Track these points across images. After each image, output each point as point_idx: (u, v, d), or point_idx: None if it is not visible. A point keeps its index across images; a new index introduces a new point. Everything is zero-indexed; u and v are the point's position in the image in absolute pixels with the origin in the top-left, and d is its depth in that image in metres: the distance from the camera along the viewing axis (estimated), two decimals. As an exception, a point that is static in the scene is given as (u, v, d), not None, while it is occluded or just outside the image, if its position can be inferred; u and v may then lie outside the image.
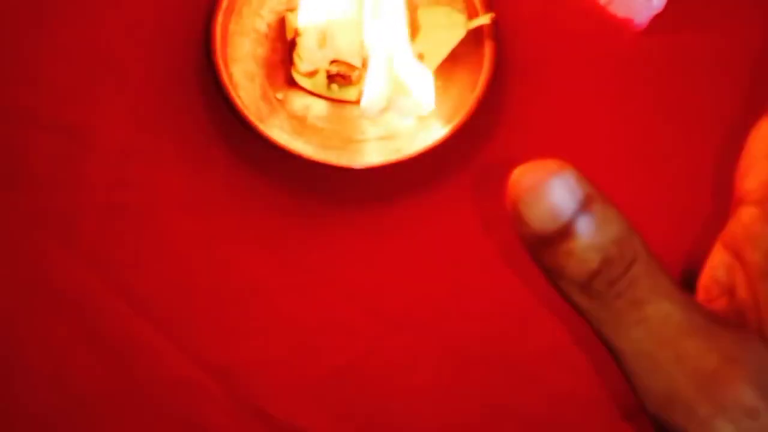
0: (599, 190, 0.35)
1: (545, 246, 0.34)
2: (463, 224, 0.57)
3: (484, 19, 0.58)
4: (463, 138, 0.56)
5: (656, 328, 0.35)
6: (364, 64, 0.57)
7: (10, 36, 0.58)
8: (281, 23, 0.59)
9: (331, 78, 0.57)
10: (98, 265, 0.55)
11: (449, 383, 0.55)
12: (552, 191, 0.34)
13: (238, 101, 0.56)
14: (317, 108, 0.58)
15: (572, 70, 0.59)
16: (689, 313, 0.35)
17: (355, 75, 0.57)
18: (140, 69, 0.58)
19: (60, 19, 0.59)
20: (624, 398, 0.36)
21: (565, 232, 0.34)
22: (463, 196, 0.57)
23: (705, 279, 0.39)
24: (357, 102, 0.57)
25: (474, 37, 0.58)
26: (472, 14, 0.58)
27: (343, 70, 0.57)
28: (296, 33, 0.57)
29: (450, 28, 0.58)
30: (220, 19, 0.57)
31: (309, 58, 0.57)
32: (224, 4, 0.57)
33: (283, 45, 0.58)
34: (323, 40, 0.57)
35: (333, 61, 0.57)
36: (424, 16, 0.58)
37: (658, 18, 0.58)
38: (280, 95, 0.58)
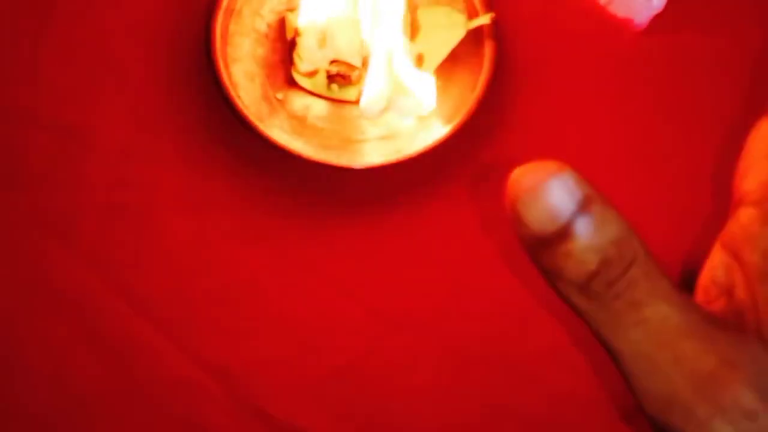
0: (598, 191, 0.34)
1: (544, 247, 0.34)
2: (463, 224, 0.57)
3: (484, 19, 0.58)
4: (463, 138, 0.56)
5: (655, 330, 0.35)
6: (364, 64, 0.57)
7: (10, 36, 0.58)
8: (281, 23, 0.59)
9: (331, 78, 0.57)
10: (98, 265, 0.55)
11: (449, 383, 0.55)
12: (551, 192, 0.34)
13: (238, 101, 0.56)
14: (317, 108, 0.58)
15: (572, 70, 0.59)
16: (687, 315, 0.35)
17: (355, 75, 0.57)
18: (140, 69, 0.58)
19: (60, 19, 0.59)
20: (622, 399, 0.36)
21: (563, 233, 0.34)
22: (463, 196, 0.57)
23: (704, 280, 0.39)
24: (357, 102, 0.57)
25: (474, 37, 0.58)
26: (472, 14, 0.58)
27: (343, 70, 0.57)
28: (296, 33, 0.57)
29: (450, 28, 0.58)
30: (220, 19, 0.57)
31: (309, 58, 0.57)
32: (224, 4, 0.57)
33: (283, 45, 0.58)
34: (323, 40, 0.57)
35: (333, 61, 0.57)
36: (424, 16, 0.58)
37: (658, 18, 0.58)
38: (280, 95, 0.58)
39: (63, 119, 0.57)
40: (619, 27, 0.59)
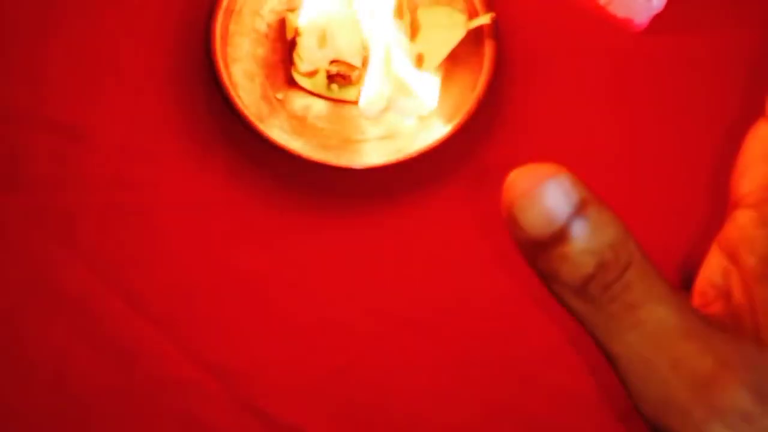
0: (595, 194, 0.34)
1: (540, 250, 0.34)
2: (463, 224, 0.57)
3: (484, 19, 0.57)
4: (463, 138, 0.56)
5: (651, 333, 0.35)
6: (364, 64, 0.57)
7: (10, 36, 0.58)
8: (281, 23, 0.59)
9: (331, 78, 0.57)
10: (98, 265, 0.55)
11: (449, 383, 0.55)
12: (547, 195, 0.34)
13: (238, 101, 0.56)
14: (317, 108, 0.58)
15: (572, 69, 0.59)
16: (684, 317, 0.35)
17: (355, 75, 0.57)
18: (140, 69, 0.58)
19: (60, 19, 0.59)
20: (619, 399, 0.36)
21: (559, 236, 0.34)
22: (464, 196, 0.57)
23: (701, 282, 0.39)
24: (357, 102, 0.57)
25: (474, 37, 0.58)
26: (472, 14, 0.58)
27: (343, 70, 0.57)
28: (296, 33, 0.57)
29: (450, 28, 0.58)
30: (220, 19, 0.57)
31: (309, 58, 0.57)
32: (224, 4, 0.57)
33: (283, 45, 0.58)
34: (323, 40, 0.57)
35: (333, 61, 0.57)
36: (424, 16, 0.58)
37: (658, 18, 0.58)
38: (280, 95, 0.58)
39: (63, 119, 0.57)
40: (619, 27, 0.59)
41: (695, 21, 0.60)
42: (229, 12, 0.58)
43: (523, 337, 0.56)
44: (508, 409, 0.55)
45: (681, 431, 0.35)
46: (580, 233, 0.34)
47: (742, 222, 0.37)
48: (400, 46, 0.56)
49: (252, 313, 0.56)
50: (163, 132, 0.58)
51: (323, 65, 0.57)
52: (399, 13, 0.57)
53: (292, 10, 0.58)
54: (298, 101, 0.58)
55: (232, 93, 0.56)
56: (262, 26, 0.59)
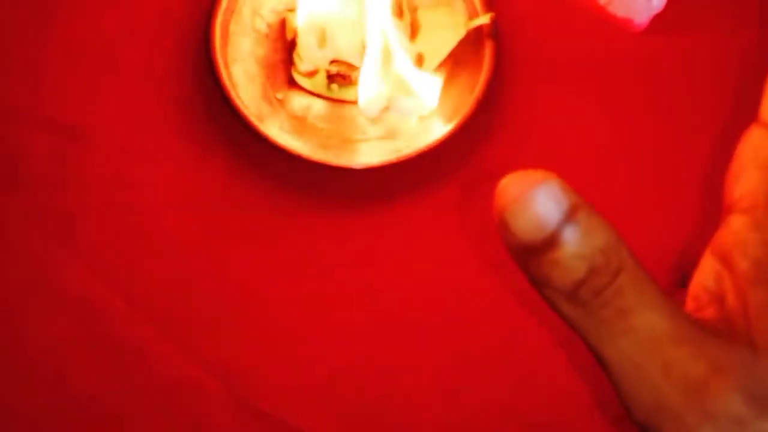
0: (585, 200, 0.34)
1: (531, 255, 0.34)
2: (463, 224, 0.57)
3: (484, 19, 0.58)
4: (463, 138, 0.56)
5: (642, 338, 0.35)
6: (365, 64, 0.57)
7: (10, 36, 0.58)
8: (281, 23, 0.59)
9: (331, 78, 0.57)
10: (98, 265, 0.55)
11: (449, 383, 0.55)
12: (537, 201, 0.34)
13: (238, 101, 0.56)
14: (317, 108, 0.58)
15: (572, 69, 0.59)
16: (676, 322, 0.35)
17: (355, 75, 0.57)
18: (140, 69, 0.58)
19: (60, 18, 0.59)
20: (617, 400, 0.36)
21: (550, 241, 0.34)
22: (464, 196, 0.57)
23: (695, 287, 0.38)
24: (357, 102, 0.57)
25: (474, 37, 0.58)
26: (472, 14, 0.58)
27: (343, 70, 0.57)
28: (296, 33, 0.57)
29: (450, 28, 0.58)
30: (220, 19, 0.57)
31: (309, 58, 0.57)
32: (224, 4, 0.57)
33: (283, 45, 0.58)
34: (323, 40, 0.57)
35: (333, 61, 0.57)
36: (424, 16, 0.58)
37: (658, 18, 0.58)
38: (280, 95, 0.58)
39: (63, 119, 0.57)
40: (619, 27, 0.59)
41: (695, 21, 0.60)
42: (229, 12, 0.58)
43: (523, 338, 0.56)
44: (508, 409, 0.55)
45: None
46: (571, 238, 0.34)
47: (735, 227, 0.37)
48: (401, 46, 0.56)
49: (252, 313, 0.56)
50: (163, 132, 0.58)
51: (323, 65, 0.57)
52: (399, 13, 0.57)
53: (292, 10, 0.58)
54: (298, 101, 0.58)
55: (232, 93, 0.56)
56: (262, 26, 0.59)
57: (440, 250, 0.57)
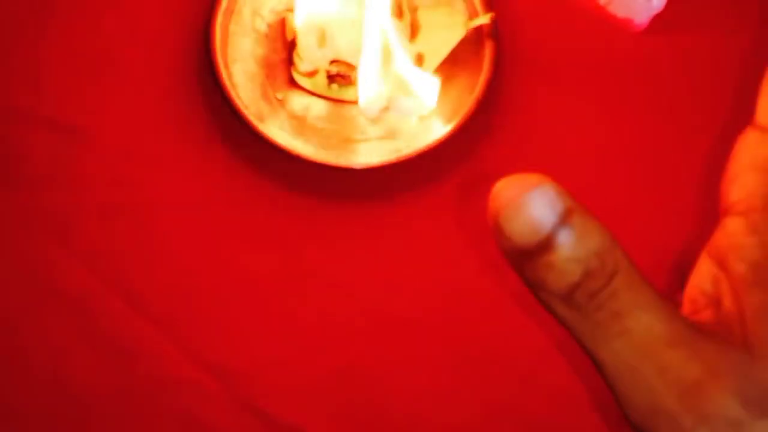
0: (579, 204, 0.35)
1: (526, 259, 0.34)
2: (463, 223, 0.57)
3: (484, 19, 0.58)
4: (462, 138, 0.56)
5: (638, 340, 0.35)
6: (365, 64, 0.57)
7: (10, 36, 0.58)
8: (281, 23, 0.59)
9: (331, 78, 0.57)
10: (98, 265, 0.55)
11: (449, 383, 0.55)
12: (531, 204, 0.34)
13: (238, 101, 0.56)
14: (317, 108, 0.58)
15: (572, 69, 0.59)
16: (671, 325, 0.35)
17: (355, 75, 0.57)
18: (140, 69, 0.58)
19: (60, 19, 0.59)
20: (610, 404, 0.36)
21: (545, 245, 0.34)
22: (463, 196, 0.57)
23: (691, 289, 0.39)
24: (357, 102, 0.57)
25: (474, 37, 0.58)
26: (472, 14, 0.58)
27: (343, 70, 0.57)
28: (296, 33, 0.57)
29: (450, 28, 0.58)
30: (220, 19, 0.57)
31: (309, 58, 0.57)
32: (224, 4, 0.57)
33: (283, 45, 0.58)
34: (323, 40, 0.57)
35: (333, 61, 0.57)
36: (424, 16, 0.58)
37: (658, 18, 0.58)
38: (280, 95, 0.58)
39: (63, 119, 0.57)
40: (619, 27, 0.59)
41: (695, 21, 0.60)
42: (229, 12, 0.58)
43: (522, 338, 0.56)
44: (508, 409, 0.55)
45: None
46: (566, 242, 0.34)
47: (731, 230, 0.37)
48: (401, 46, 0.56)
49: (252, 313, 0.56)
50: (163, 132, 0.58)
51: (323, 65, 0.57)
52: (399, 13, 0.57)
53: (292, 10, 0.58)
54: (298, 101, 0.58)
55: (232, 93, 0.56)
56: (262, 26, 0.59)
57: (440, 250, 0.57)
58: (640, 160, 0.58)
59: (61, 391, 0.54)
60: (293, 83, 0.58)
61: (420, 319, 0.56)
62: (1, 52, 0.58)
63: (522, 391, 0.55)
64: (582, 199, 0.35)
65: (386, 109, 0.57)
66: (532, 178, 0.34)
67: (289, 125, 0.57)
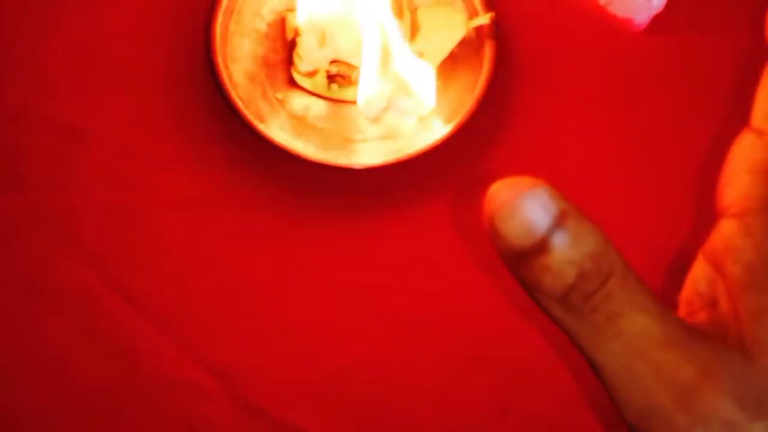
0: (574, 206, 0.35)
1: (522, 260, 0.35)
2: (463, 224, 0.57)
3: (484, 19, 0.58)
4: (463, 138, 0.56)
5: (633, 342, 0.35)
6: (365, 64, 0.57)
7: (10, 36, 0.58)
8: (281, 23, 0.59)
9: (331, 78, 0.57)
10: (98, 265, 0.55)
11: (449, 383, 0.55)
12: (526, 207, 0.34)
13: (238, 101, 0.56)
14: (317, 108, 0.58)
15: (572, 69, 0.59)
16: (666, 326, 0.35)
17: (355, 75, 0.57)
18: (140, 69, 0.58)
19: (60, 19, 0.59)
20: (610, 405, 0.36)
21: (540, 246, 0.34)
22: (463, 196, 0.57)
23: (687, 291, 0.39)
24: (357, 102, 0.57)
25: (474, 37, 0.58)
26: (472, 14, 0.58)
27: (343, 70, 0.57)
28: (296, 33, 0.57)
29: (450, 28, 0.58)
30: (220, 19, 0.57)
31: (309, 58, 0.57)
32: (224, 4, 0.57)
33: (283, 45, 0.59)
34: (323, 40, 0.57)
35: (333, 61, 0.57)
36: (424, 16, 0.58)
37: (658, 18, 0.58)
38: (280, 95, 0.58)
39: (63, 119, 0.57)
40: (619, 27, 0.59)
41: (695, 21, 0.60)
42: (229, 12, 0.58)
43: (523, 337, 0.56)
44: (508, 409, 0.55)
45: None
46: (560, 244, 0.34)
47: (726, 232, 0.37)
48: (400, 46, 0.56)
49: (252, 313, 0.56)
50: (163, 132, 0.58)
51: (323, 65, 0.57)
52: (399, 13, 0.57)
53: (292, 10, 0.58)
54: (298, 101, 0.58)
55: (232, 93, 0.56)
56: (262, 26, 0.59)
57: (440, 250, 0.57)
58: (639, 160, 0.58)
59: (61, 391, 0.54)
60: (293, 83, 0.58)
61: (420, 319, 0.56)
62: (2, 52, 0.58)
63: (522, 391, 0.55)
64: (580, 198, 0.35)
65: (386, 109, 0.57)
66: (526, 180, 0.35)
67: (289, 125, 0.57)
